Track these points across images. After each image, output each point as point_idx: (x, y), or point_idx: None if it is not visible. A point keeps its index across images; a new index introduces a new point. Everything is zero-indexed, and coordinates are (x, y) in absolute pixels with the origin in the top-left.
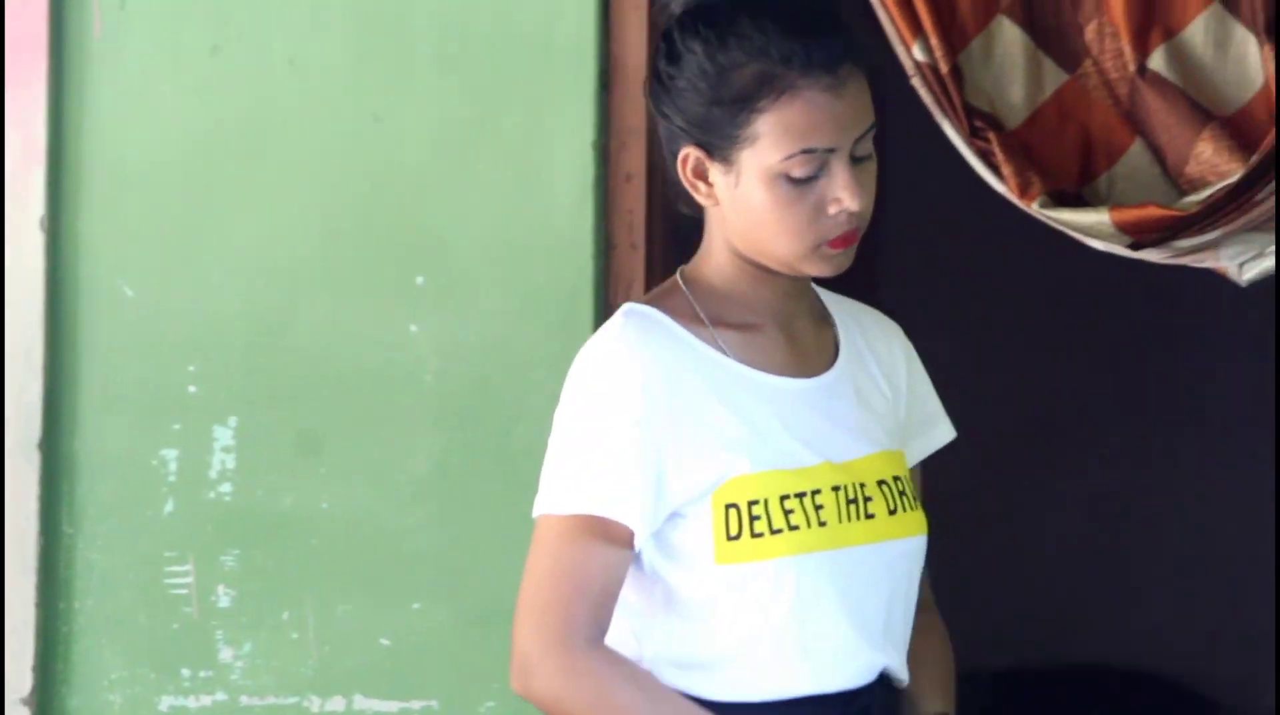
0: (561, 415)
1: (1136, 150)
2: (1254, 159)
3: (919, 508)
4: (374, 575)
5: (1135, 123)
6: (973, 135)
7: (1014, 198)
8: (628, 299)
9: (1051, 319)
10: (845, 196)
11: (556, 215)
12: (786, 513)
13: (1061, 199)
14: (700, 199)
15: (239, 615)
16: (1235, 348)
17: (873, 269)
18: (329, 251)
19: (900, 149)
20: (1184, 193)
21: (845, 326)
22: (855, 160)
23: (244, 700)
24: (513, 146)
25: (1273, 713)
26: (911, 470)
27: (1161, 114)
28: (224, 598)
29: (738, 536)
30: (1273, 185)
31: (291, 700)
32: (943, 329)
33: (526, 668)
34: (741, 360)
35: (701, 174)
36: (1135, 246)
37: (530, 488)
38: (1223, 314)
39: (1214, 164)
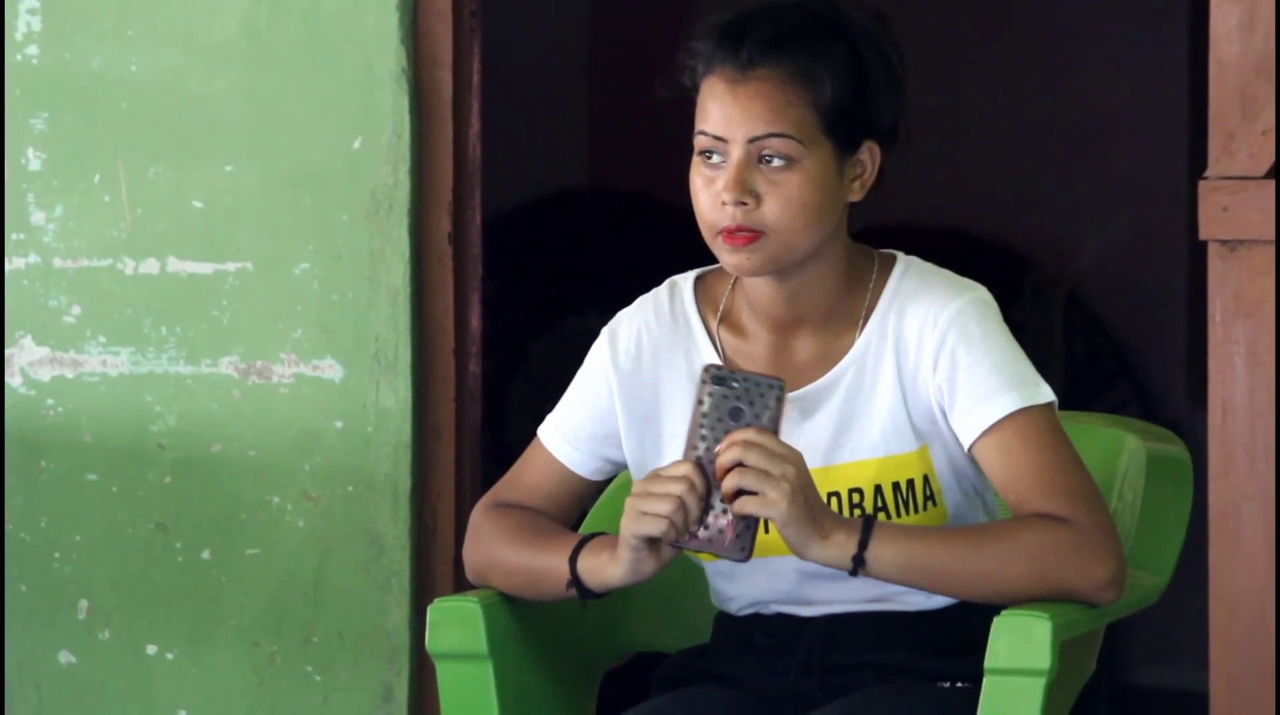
0: None
1: None
2: None
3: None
4: (185, 138)
5: None
6: None
7: None
8: None
9: None
10: (724, 190)
11: None
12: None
13: None
14: None
15: (50, 178)
16: None
17: None
18: None
19: None
20: None
21: (877, 330)
22: (764, 161)
23: (57, 263)
24: None
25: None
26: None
27: None
28: (34, 161)
29: None
30: None
31: (105, 262)
32: None
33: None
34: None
35: None
36: None
37: (338, 48)
38: None
39: None
